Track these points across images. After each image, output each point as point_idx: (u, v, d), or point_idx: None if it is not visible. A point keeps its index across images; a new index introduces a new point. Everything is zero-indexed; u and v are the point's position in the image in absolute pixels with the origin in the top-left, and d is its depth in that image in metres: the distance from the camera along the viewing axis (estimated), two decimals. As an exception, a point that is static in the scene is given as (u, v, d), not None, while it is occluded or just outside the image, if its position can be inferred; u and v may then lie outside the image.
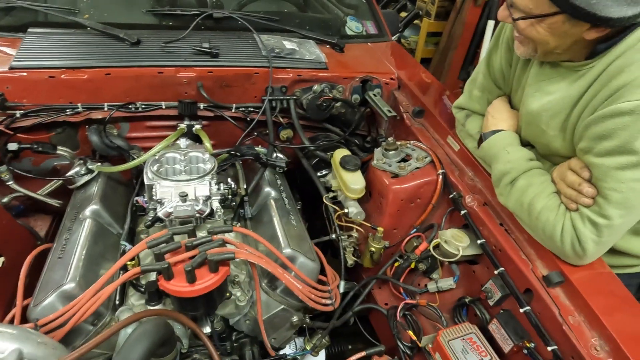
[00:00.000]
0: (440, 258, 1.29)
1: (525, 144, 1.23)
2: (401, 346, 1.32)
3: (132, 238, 1.25)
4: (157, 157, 1.29)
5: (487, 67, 1.33)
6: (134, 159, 1.45)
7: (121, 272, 1.07)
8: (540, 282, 1.10)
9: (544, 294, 1.08)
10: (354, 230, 1.50)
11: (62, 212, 1.57)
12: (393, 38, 2.28)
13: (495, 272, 1.18)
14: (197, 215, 1.15)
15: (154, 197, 1.19)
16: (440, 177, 1.41)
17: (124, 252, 1.14)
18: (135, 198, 1.25)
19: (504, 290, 1.18)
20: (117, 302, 1.08)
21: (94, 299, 0.95)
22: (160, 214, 1.13)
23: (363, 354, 1.30)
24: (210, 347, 1.03)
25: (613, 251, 1.16)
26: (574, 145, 1.06)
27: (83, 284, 1.03)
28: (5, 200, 1.45)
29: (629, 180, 0.92)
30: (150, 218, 1.17)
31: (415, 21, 4.33)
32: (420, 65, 2.12)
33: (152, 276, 1.11)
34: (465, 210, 1.31)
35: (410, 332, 1.32)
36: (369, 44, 2.13)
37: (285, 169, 1.57)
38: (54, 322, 0.95)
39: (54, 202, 1.50)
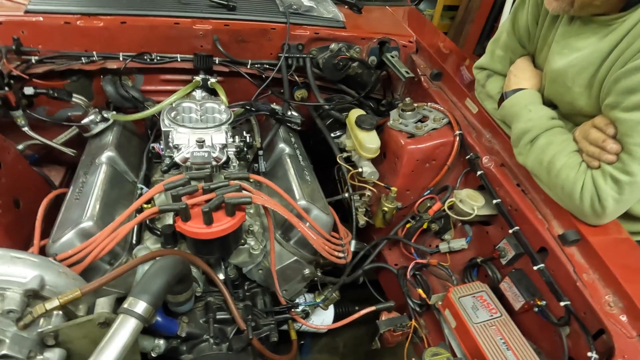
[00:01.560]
0: (455, 217, 1.29)
1: (547, 103, 1.21)
2: (411, 303, 1.34)
3: (148, 184, 1.25)
4: (173, 106, 1.28)
5: (512, 25, 1.30)
6: (148, 109, 1.44)
7: (137, 214, 1.07)
8: (555, 240, 1.09)
9: (559, 252, 1.07)
10: (367, 191, 1.50)
11: (75, 163, 1.58)
12: (412, 4, 2.23)
13: (510, 231, 1.18)
14: (214, 162, 1.15)
15: (170, 144, 1.19)
16: (458, 138, 1.39)
17: (140, 195, 1.15)
18: (152, 145, 1.25)
19: (518, 249, 1.18)
20: (133, 244, 1.09)
21: (111, 237, 0.96)
22: (177, 159, 1.12)
23: (373, 308, 1.32)
24: (224, 290, 1.05)
25: (630, 217, 1.15)
26: (600, 102, 1.04)
27: (100, 223, 1.04)
28: (20, 147, 1.45)
29: (657, 135, 0.90)
30: (167, 163, 1.17)
31: (432, -7, 4.23)
32: (439, 31, 2.07)
33: (168, 220, 1.12)
34: (482, 171, 1.30)
35: (420, 290, 1.33)
36: (387, 7, 2.08)
37: (300, 127, 1.56)
38: (72, 258, 0.96)
39: (69, 151, 1.50)
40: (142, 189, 1.17)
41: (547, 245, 1.10)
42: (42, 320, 0.82)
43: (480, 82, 1.42)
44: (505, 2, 3.49)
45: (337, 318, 1.48)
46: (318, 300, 1.33)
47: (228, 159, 1.19)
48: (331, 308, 1.46)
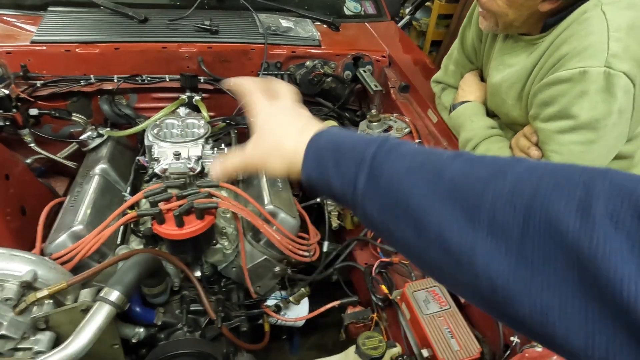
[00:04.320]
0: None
1: (491, 114, 1.33)
2: (374, 298, 1.46)
3: (135, 192, 1.41)
4: (158, 123, 1.44)
5: (460, 43, 1.42)
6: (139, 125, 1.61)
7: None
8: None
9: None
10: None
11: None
12: (405, 19, 2.37)
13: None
14: (190, 172, 1.30)
15: (153, 157, 1.35)
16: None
17: (125, 202, 1.31)
18: (138, 157, 1.41)
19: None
20: (118, 244, 1.25)
21: (97, 238, 1.12)
22: (156, 170, 1.28)
23: (338, 302, 1.44)
24: (196, 284, 1.19)
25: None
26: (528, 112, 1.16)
27: (90, 227, 1.20)
28: (28, 161, 1.63)
29: (568, 142, 1.02)
30: (149, 174, 1.33)
31: (427, 3, 4.35)
32: (414, 44, 2.20)
33: (149, 224, 1.27)
34: (436, 176, 1.42)
35: (383, 287, 1.46)
36: (366, 23, 2.22)
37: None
38: (64, 257, 1.12)
39: (70, 164, 1.67)
40: (125, 196, 1.33)
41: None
42: (35, 307, 0.97)
43: (437, 95, 1.54)
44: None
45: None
46: (288, 294, 1.47)
47: (203, 169, 1.33)
48: (306, 305, 1.59)
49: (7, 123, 1.49)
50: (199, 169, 1.31)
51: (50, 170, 1.78)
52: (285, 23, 1.92)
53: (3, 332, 0.90)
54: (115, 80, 1.65)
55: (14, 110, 1.49)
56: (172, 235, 1.12)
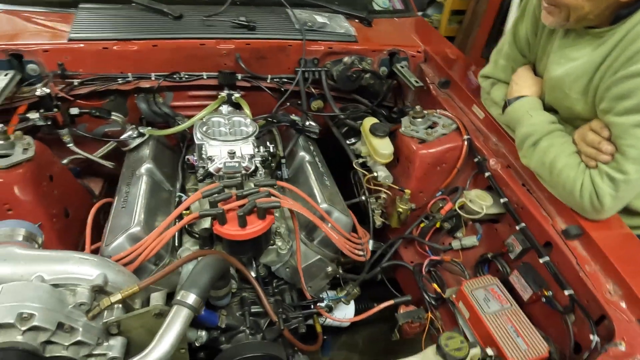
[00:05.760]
0: (465, 216, 1.39)
1: (548, 108, 1.30)
2: (427, 297, 1.44)
3: (184, 193, 1.38)
4: (204, 121, 1.41)
5: (513, 37, 1.40)
6: (179, 124, 1.58)
7: (177, 220, 1.20)
8: (559, 235, 1.18)
9: (562, 245, 1.17)
10: (382, 193, 1.61)
11: (112, 174, 1.73)
12: (419, 14, 2.34)
13: (517, 227, 1.28)
14: (243, 171, 1.27)
15: (203, 156, 1.31)
16: (466, 142, 1.50)
17: (179, 202, 1.28)
18: (187, 157, 1.38)
19: (525, 244, 1.27)
20: (175, 246, 1.21)
21: (158, 240, 1.09)
22: (211, 169, 1.25)
23: (391, 302, 1.42)
24: (257, 286, 1.16)
25: (629, 212, 1.23)
26: (595, 107, 1.13)
27: (146, 228, 1.17)
28: (65, 161, 1.59)
29: (646, 136, 1.00)
30: (201, 173, 1.29)
31: (439, -1, 4.33)
32: (446, 39, 2.17)
33: (205, 224, 1.24)
34: (490, 173, 1.40)
35: (435, 285, 1.44)
36: (395, 19, 2.20)
37: (318, 135, 1.67)
38: (125, 259, 1.09)
39: (108, 164, 1.64)
40: (180, 197, 1.29)
41: (552, 240, 1.19)
42: (105, 312, 0.94)
43: (485, 90, 1.52)
44: (510, 7, 3.58)
45: (357, 314, 1.59)
46: (340, 295, 1.44)
47: (256, 167, 1.31)
48: (352, 304, 1.57)
49: (49, 122, 1.45)
50: (252, 167, 1.28)
51: (84, 171, 1.75)
52: (320, 19, 1.89)
53: (79, 338, 0.86)
54: (154, 78, 1.62)
55: (55, 110, 1.45)
56: (235, 236, 1.10)
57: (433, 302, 1.43)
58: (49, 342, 0.85)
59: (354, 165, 1.64)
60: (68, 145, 1.56)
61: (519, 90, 1.34)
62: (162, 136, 1.61)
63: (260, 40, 1.71)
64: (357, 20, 2.01)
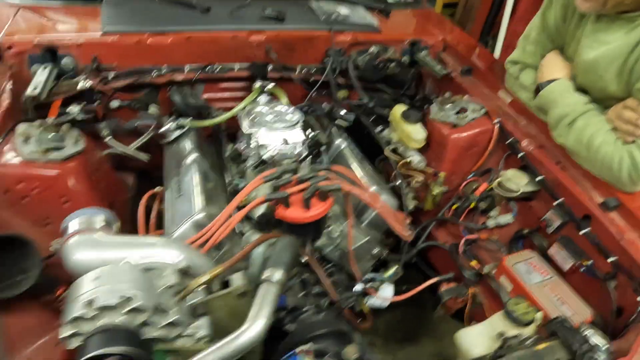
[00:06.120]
0: (504, 194, 1.46)
1: (579, 90, 1.38)
2: (466, 274, 1.50)
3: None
4: (249, 111, 1.43)
5: (541, 24, 1.48)
6: (216, 116, 1.60)
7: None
8: (598, 207, 1.27)
9: (602, 217, 1.25)
10: (417, 177, 1.66)
11: (143, 169, 1.74)
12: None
13: (555, 203, 1.35)
14: (295, 157, 1.31)
15: (254, 144, 1.34)
16: (497, 125, 1.57)
17: (235, 189, 1.30)
18: (235, 146, 1.40)
19: (564, 217, 1.35)
20: (237, 231, 1.24)
21: (226, 225, 1.11)
22: (265, 156, 1.28)
23: (437, 279, 1.48)
24: (318, 268, 1.21)
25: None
26: (630, 86, 1.22)
27: (209, 215, 1.19)
28: (102, 155, 1.59)
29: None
30: (255, 160, 1.32)
31: (431, -7, 4.41)
32: (460, 29, 2.25)
33: (260, 210, 1.27)
34: (523, 153, 1.47)
35: (474, 262, 1.50)
36: (408, 10, 2.26)
37: (351, 123, 1.72)
38: (194, 244, 1.11)
39: (144, 157, 1.64)
40: (237, 184, 1.32)
41: (590, 213, 1.27)
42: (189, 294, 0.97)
43: (513, 75, 1.59)
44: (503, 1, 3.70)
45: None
46: (387, 275, 1.49)
47: (309, 153, 1.34)
48: (391, 286, 1.62)
49: (91, 115, 1.45)
50: (304, 153, 1.31)
51: (117, 165, 1.74)
52: (343, 10, 1.93)
53: (172, 319, 0.89)
54: (187, 71, 1.63)
55: (97, 103, 1.45)
56: (299, 219, 1.13)
57: (472, 279, 1.50)
58: (144, 323, 0.87)
59: (386, 152, 1.69)
60: (106, 139, 1.55)
61: (551, 74, 1.41)
62: (199, 127, 1.62)
63: (290, 32, 1.74)
64: (375, 12, 2.06)
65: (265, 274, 0.93)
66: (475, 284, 1.51)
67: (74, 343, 0.82)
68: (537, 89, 1.44)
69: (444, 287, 1.49)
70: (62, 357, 1.12)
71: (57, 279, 1.12)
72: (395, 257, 1.54)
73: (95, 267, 0.90)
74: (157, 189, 1.40)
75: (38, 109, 1.47)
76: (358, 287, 1.41)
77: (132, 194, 1.66)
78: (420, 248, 1.62)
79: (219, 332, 0.98)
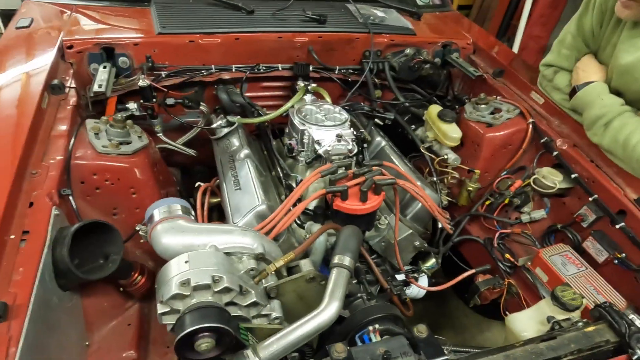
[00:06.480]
0: (541, 191, 1.54)
1: (614, 92, 1.46)
2: (501, 266, 1.58)
3: (286, 175, 1.48)
4: (299, 109, 1.51)
5: (577, 29, 1.55)
6: (261, 113, 1.67)
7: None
8: (633, 203, 1.34)
9: (637, 212, 1.33)
10: (452, 173, 1.74)
11: (185, 163, 1.82)
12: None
13: (590, 199, 1.43)
14: (348, 153, 1.38)
15: (305, 140, 1.42)
16: (531, 125, 1.64)
17: (288, 182, 1.38)
18: (289, 141, 1.47)
19: (598, 213, 1.43)
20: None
21: (289, 215, 1.19)
22: (320, 152, 1.35)
23: (473, 271, 1.56)
24: (368, 257, 1.28)
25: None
26: (667, 89, 1.29)
27: (269, 206, 1.27)
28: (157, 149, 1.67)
29: None
30: (309, 156, 1.40)
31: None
32: (486, 31, 2.32)
33: (315, 202, 1.34)
34: (558, 152, 1.55)
35: (508, 255, 1.58)
36: (437, 12, 2.33)
37: (391, 122, 1.79)
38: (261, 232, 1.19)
39: (191, 152, 1.72)
40: (295, 177, 1.40)
41: (625, 208, 1.35)
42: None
43: (547, 77, 1.67)
44: (520, 1, 3.77)
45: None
46: (426, 266, 1.57)
47: (360, 149, 1.42)
48: (425, 277, 1.70)
49: (149, 112, 1.52)
50: (355, 149, 1.39)
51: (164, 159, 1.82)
52: (379, 13, 2.00)
53: (255, 299, 0.97)
54: (234, 70, 1.71)
55: (154, 100, 1.53)
56: (357, 210, 1.21)
57: (508, 270, 1.58)
58: (230, 302, 0.95)
59: (422, 149, 1.77)
60: (158, 135, 1.63)
61: (587, 77, 1.49)
62: (244, 124, 1.70)
63: (331, 33, 1.81)
64: (406, 15, 2.14)
65: (336, 260, 1.01)
66: (509, 275, 1.59)
67: (170, 320, 0.90)
68: (574, 91, 1.52)
69: (480, 278, 1.57)
70: (133, 338, 1.20)
71: (131, 265, 1.21)
72: (432, 250, 1.62)
73: (182, 250, 0.98)
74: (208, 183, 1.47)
75: (93, 105, 1.55)
76: (400, 276, 1.49)
77: (179, 187, 1.74)
78: (456, 241, 1.70)
79: (286, 315, 1.06)
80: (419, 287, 1.52)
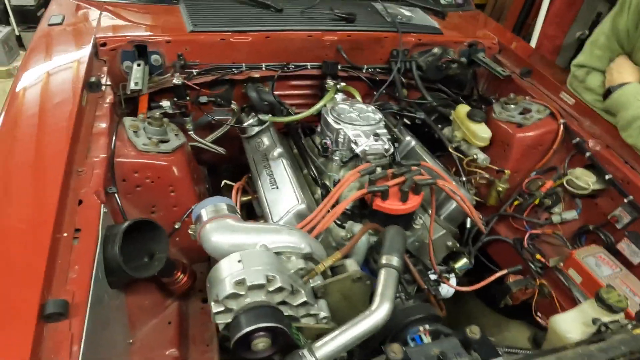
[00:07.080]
0: (574, 191, 1.54)
1: (649, 94, 1.46)
2: (532, 266, 1.58)
3: (320, 174, 1.48)
4: (332, 107, 1.51)
5: (611, 30, 1.55)
6: (291, 112, 1.67)
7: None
8: (669, 205, 1.34)
9: (674, 214, 1.33)
10: (481, 173, 1.74)
11: (213, 162, 1.82)
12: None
13: (625, 200, 1.43)
14: (384, 153, 1.38)
15: (341, 139, 1.42)
16: (562, 126, 1.64)
17: (322, 182, 1.38)
18: (323, 141, 1.47)
19: (633, 214, 1.43)
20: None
21: (331, 214, 1.19)
22: (358, 151, 1.35)
23: (505, 271, 1.56)
24: (405, 258, 1.28)
25: None
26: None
27: (307, 205, 1.27)
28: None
29: None
30: (346, 155, 1.40)
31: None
32: (509, 31, 2.32)
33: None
34: (590, 153, 1.55)
35: (539, 256, 1.58)
36: (460, 12, 2.33)
37: (422, 121, 1.79)
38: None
39: (221, 150, 1.72)
40: (333, 176, 1.40)
41: (662, 209, 1.35)
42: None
43: (578, 78, 1.66)
44: (535, 0, 3.76)
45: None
46: (458, 266, 1.57)
47: (395, 149, 1.42)
48: (453, 277, 1.70)
49: (182, 110, 1.52)
50: (392, 149, 1.39)
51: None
52: (406, 12, 2.00)
53: (305, 299, 0.97)
54: (264, 69, 1.70)
55: (187, 98, 1.53)
56: (398, 210, 1.21)
57: (539, 271, 1.58)
58: (282, 302, 0.95)
59: (450, 149, 1.76)
60: (189, 133, 1.63)
61: (622, 78, 1.48)
62: (274, 123, 1.70)
63: (360, 32, 1.81)
64: (432, 14, 2.13)
65: (384, 260, 1.01)
66: (540, 276, 1.59)
67: (224, 319, 0.90)
68: (608, 92, 1.51)
69: (511, 279, 1.57)
70: (174, 336, 1.21)
71: (174, 263, 1.21)
72: (463, 250, 1.62)
73: (231, 249, 0.98)
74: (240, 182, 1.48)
75: (126, 102, 1.55)
76: (433, 276, 1.49)
77: (208, 182, 1.74)
78: (485, 241, 1.70)
79: (331, 315, 1.06)
80: (452, 288, 1.52)
